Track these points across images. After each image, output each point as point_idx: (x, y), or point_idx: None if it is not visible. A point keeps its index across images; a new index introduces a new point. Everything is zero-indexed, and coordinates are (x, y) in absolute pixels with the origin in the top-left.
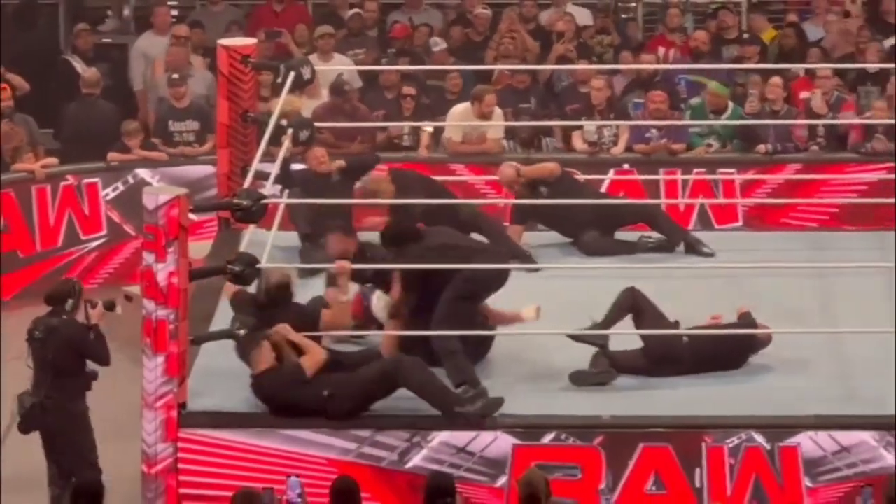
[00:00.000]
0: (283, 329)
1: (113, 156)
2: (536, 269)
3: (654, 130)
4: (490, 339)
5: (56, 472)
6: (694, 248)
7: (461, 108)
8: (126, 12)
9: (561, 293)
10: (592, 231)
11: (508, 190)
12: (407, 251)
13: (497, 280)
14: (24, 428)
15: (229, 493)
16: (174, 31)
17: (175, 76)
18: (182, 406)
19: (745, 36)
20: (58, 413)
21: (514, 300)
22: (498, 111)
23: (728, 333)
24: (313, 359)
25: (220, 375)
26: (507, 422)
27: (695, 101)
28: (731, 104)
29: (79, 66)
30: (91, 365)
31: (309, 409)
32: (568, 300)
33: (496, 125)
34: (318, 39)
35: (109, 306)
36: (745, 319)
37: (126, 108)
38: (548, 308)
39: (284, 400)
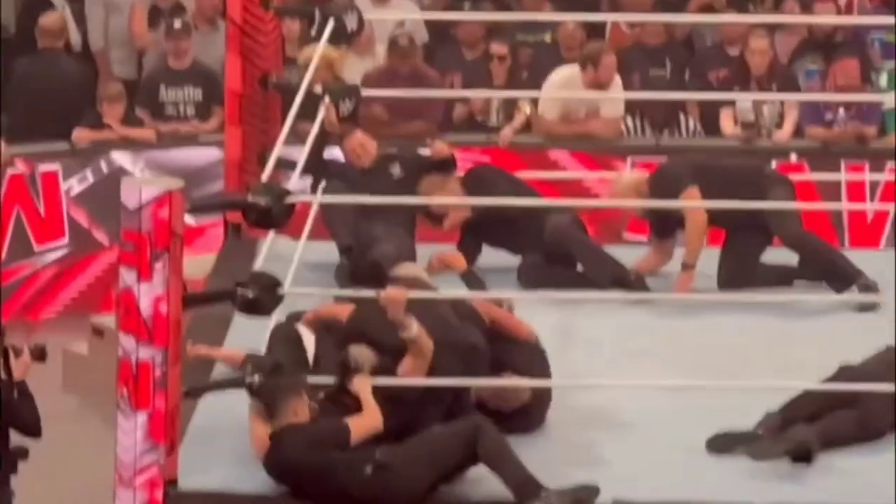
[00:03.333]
0: (363, 384)
1: (80, 134)
2: (648, 300)
3: (840, 110)
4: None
5: None
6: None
7: (565, 73)
8: None
9: (680, 334)
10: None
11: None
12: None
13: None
14: None
15: None
16: None
17: (177, 25)
18: (171, 484)
19: None
20: None
21: (611, 338)
22: (617, 80)
23: None
24: (367, 423)
25: (226, 441)
26: None
27: (891, 66)
28: None
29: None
30: (16, 437)
31: (340, 487)
32: (688, 343)
33: (614, 98)
34: None
35: (39, 355)
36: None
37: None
38: (658, 354)
39: (310, 467)
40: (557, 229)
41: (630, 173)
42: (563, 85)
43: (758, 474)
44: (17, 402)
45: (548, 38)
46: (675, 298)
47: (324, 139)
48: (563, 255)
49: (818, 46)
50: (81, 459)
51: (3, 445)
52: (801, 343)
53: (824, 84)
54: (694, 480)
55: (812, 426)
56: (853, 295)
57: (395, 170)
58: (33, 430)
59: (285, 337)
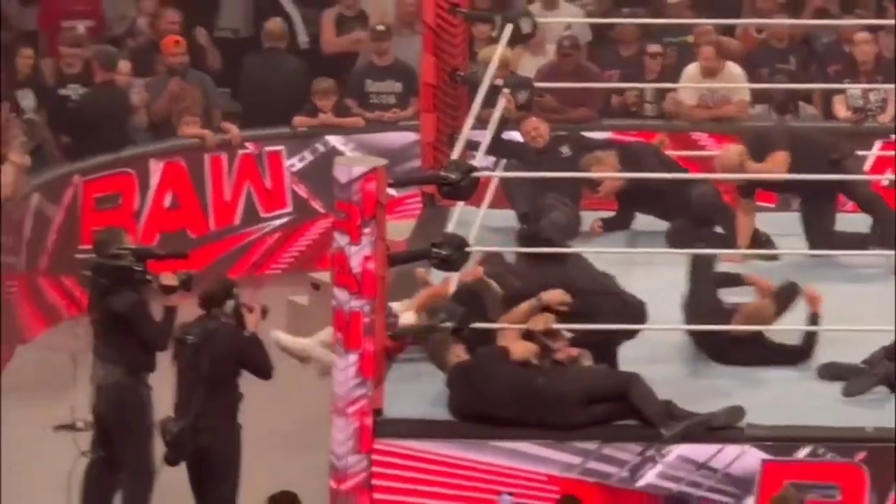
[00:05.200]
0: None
1: (300, 120)
2: (773, 257)
3: None
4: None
5: None
6: None
7: (694, 67)
8: None
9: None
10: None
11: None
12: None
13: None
14: (174, 457)
15: None
16: None
17: (380, 27)
18: (378, 413)
19: None
20: (215, 434)
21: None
22: (737, 70)
23: None
24: (523, 347)
25: (421, 377)
26: (756, 433)
27: None
28: None
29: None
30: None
31: (516, 395)
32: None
33: (738, 87)
34: None
35: (265, 313)
36: None
37: (316, 66)
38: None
39: (489, 384)
40: (704, 196)
41: (733, 146)
42: (693, 76)
43: (868, 400)
44: (253, 349)
45: (690, 39)
46: (795, 254)
47: (504, 124)
48: (707, 219)
49: None
50: (304, 394)
51: (235, 385)
52: None
53: None
54: (810, 408)
55: None
56: None
57: (565, 149)
58: (267, 372)
59: (468, 293)
